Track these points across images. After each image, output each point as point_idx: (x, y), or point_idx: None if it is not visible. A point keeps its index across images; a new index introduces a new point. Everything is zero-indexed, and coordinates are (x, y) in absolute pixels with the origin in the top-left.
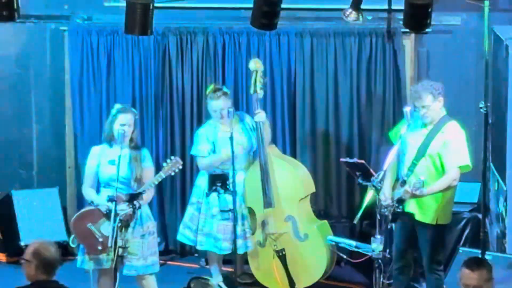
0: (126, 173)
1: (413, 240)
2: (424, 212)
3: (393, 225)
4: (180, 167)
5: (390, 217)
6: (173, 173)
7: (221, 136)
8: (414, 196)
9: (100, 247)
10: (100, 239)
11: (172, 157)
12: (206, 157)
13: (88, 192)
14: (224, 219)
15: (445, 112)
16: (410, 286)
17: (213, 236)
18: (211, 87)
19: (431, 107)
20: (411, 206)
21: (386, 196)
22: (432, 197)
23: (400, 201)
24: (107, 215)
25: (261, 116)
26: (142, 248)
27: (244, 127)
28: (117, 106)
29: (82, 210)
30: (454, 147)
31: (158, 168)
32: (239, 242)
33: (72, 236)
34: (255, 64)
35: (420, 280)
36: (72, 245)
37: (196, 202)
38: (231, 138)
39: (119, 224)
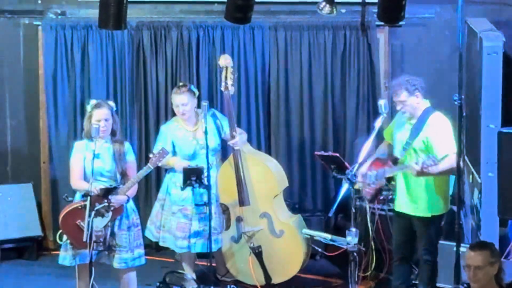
0: (111, 167)
1: (410, 231)
2: (418, 206)
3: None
4: (166, 156)
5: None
6: (159, 164)
7: (182, 136)
8: (420, 173)
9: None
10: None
11: (159, 148)
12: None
13: (81, 184)
14: (187, 215)
15: (428, 104)
16: (410, 277)
17: (173, 233)
18: (179, 83)
19: (407, 102)
20: (403, 207)
21: (361, 172)
22: (424, 190)
23: (388, 179)
24: (97, 210)
25: (238, 143)
26: (129, 240)
27: (214, 123)
28: (92, 102)
29: (71, 207)
30: (443, 138)
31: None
32: (200, 241)
33: (60, 232)
34: (225, 60)
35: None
36: (59, 242)
37: (162, 198)
38: (206, 132)
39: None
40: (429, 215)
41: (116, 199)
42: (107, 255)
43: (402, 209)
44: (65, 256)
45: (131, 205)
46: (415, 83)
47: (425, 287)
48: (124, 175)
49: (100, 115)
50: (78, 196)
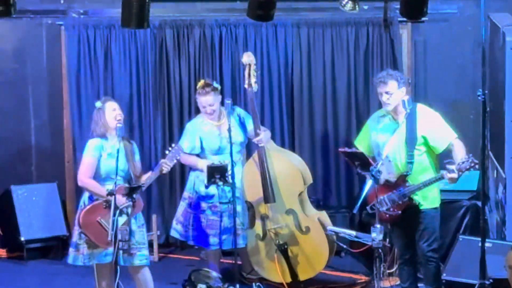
0: (124, 166)
1: (411, 233)
2: (426, 198)
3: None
4: (182, 152)
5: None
6: (175, 160)
7: (208, 130)
8: (456, 179)
9: (110, 239)
10: (111, 232)
11: (173, 145)
12: (186, 154)
13: (93, 183)
14: (217, 212)
15: (410, 103)
16: (417, 277)
17: (203, 231)
18: (201, 82)
19: (394, 94)
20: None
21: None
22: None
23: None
24: (121, 209)
25: (263, 140)
26: (145, 237)
27: (237, 121)
28: (98, 102)
29: (91, 205)
30: (440, 127)
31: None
32: (230, 237)
33: (79, 231)
34: (248, 58)
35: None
36: (78, 242)
37: (187, 197)
38: (229, 130)
39: (121, 217)
40: (434, 206)
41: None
42: (124, 254)
43: (424, 206)
44: (77, 256)
45: None
46: (403, 77)
47: (432, 285)
48: (135, 174)
49: (113, 105)
50: (85, 196)
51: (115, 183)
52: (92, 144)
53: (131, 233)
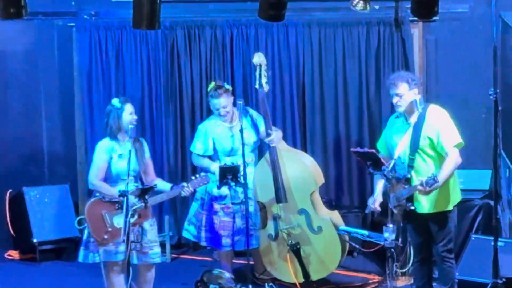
0: (135, 166)
1: (427, 231)
2: (431, 203)
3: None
4: (207, 183)
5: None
6: (198, 188)
7: (221, 132)
8: (429, 192)
9: (106, 236)
10: (109, 229)
11: (202, 173)
12: (199, 156)
13: (104, 185)
14: (230, 213)
15: (422, 103)
16: (432, 277)
17: (216, 232)
18: (212, 84)
19: (404, 95)
20: (420, 207)
21: (376, 204)
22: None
23: (409, 198)
24: (134, 210)
25: (274, 140)
26: (157, 236)
27: (249, 122)
28: (116, 100)
29: (104, 199)
30: (444, 130)
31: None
32: (243, 238)
33: (80, 217)
34: (259, 58)
35: (433, 269)
36: (77, 226)
37: (199, 198)
38: (241, 130)
39: (132, 219)
40: (450, 208)
41: (152, 200)
42: (138, 253)
43: (419, 210)
44: (87, 254)
45: None
46: (415, 79)
47: (446, 285)
48: (145, 173)
49: (131, 108)
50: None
51: (127, 184)
52: (102, 146)
53: (144, 232)
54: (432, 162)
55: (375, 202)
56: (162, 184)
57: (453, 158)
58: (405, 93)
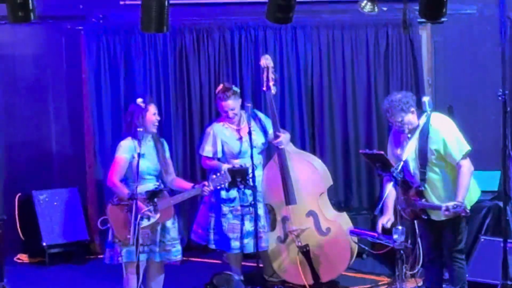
0: (156, 165)
1: (438, 232)
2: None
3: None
4: (228, 181)
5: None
6: (218, 187)
7: (229, 135)
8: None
9: (129, 236)
10: (134, 235)
11: (223, 171)
12: (210, 159)
13: (119, 186)
14: (239, 215)
15: (424, 114)
16: (442, 277)
17: (224, 235)
18: (220, 87)
19: (404, 120)
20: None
21: (389, 224)
22: (447, 194)
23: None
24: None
25: (282, 142)
26: (178, 233)
27: (257, 124)
28: (140, 99)
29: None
30: (450, 140)
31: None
32: (252, 241)
33: (104, 217)
34: (265, 61)
35: (443, 269)
36: (100, 227)
37: (208, 200)
38: (250, 133)
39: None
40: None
41: (162, 204)
42: (160, 251)
43: (434, 218)
44: (113, 255)
45: None
46: (407, 100)
47: (456, 286)
48: (166, 172)
49: (155, 109)
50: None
51: (136, 187)
52: (125, 145)
53: (166, 230)
54: (444, 171)
55: (388, 221)
56: (183, 183)
57: (466, 169)
58: (404, 118)
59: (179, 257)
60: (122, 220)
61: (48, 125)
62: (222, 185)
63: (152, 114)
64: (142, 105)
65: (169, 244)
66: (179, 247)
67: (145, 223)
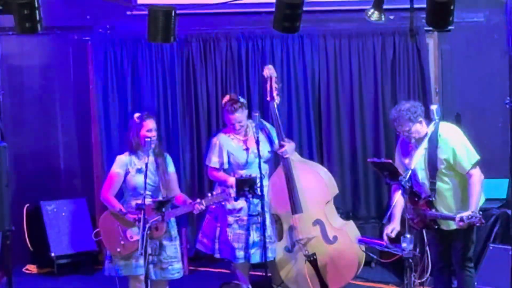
0: (155, 180)
1: (447, 240)
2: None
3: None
4: (223, 200)
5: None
6: (213, 205)
7: (236, 145)
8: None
9: (119, 249)
10: (122, 242)
11: (219, 191)
12: (217, 170)
13: (111, 200)
14: (244, 225)
15: (432, 123)
16: (451, 286)
17: (229, 244)
18: (226, 98)
19: (412, 130)
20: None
21: (393, 234)
22: (456, 203)
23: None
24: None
25: (287, 151)
26: (177, 251)
27: (263, 134)
28: (137, 114)
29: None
30: (459, 150)
31: (184, 174)
32: (258, 251)
33: (97, 230)
34: (269, 71)
35: (452, 278)
36: (94, 238)
37: (213, 210)
38: (257, 142)
39: (149, 232)
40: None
41: (168, 214)
42: (155, 269)
43: (445, 227)
44: (111, 268)
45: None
46: (415, 110)
47: None
48: (167, 187)
49: (150, 125)
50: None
51: (144, 197)
52: (120, 160)
53: (162, 248)
54: (453, 180)
55: (393, 231)
56: (181, 201)
57: (476, 179)
58: (412, 128)
59: (176, 275)
60: (113, 232)
61: (56, 136)
62: (222, 203)
63: (146, 130)
64: (137, 120)
65: (165, 262)
66: (177, 265)
67: (135, 230)
